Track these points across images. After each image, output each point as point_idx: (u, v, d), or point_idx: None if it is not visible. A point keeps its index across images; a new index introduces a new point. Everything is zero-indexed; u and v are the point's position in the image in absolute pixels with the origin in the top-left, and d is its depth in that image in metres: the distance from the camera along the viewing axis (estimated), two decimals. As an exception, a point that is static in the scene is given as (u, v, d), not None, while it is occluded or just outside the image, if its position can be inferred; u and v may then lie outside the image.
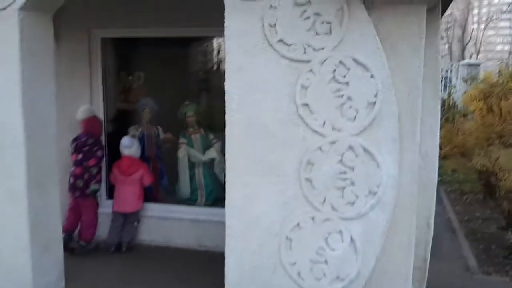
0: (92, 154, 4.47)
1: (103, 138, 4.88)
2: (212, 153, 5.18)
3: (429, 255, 3.13)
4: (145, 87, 5.60)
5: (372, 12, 2.63)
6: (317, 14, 2.67)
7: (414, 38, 2.63)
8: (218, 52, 5.48)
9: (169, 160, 5.46)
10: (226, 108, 2.92)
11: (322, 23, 2.67)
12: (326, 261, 2.84)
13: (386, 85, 2.61)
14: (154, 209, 4.92)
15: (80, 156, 4.45)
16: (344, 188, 2.75)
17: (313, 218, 2.83)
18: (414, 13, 2.61)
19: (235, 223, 2.98)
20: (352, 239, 2.79)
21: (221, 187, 5.28)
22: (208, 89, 5.59)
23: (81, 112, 4.55)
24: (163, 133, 5.41)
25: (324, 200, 2.79)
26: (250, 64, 2.82)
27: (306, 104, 2.74)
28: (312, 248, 2.85)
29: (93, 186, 4.49)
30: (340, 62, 2.66)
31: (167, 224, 4.92)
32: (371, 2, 2.62)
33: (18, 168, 3.30)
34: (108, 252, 4.54)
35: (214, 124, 5.37)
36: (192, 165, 5.24)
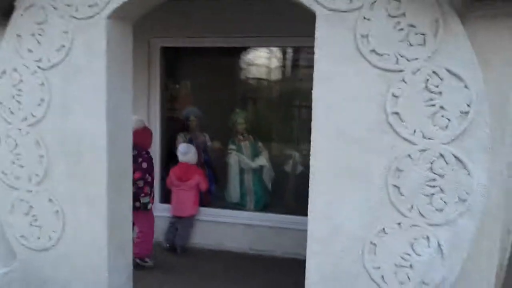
0: (137, 167, 4.34)
1: (157, 148, 4.93)
2: (261, 160, 5.27)
3: (507, 262, 3.19)
4: (191, 95, 5.71)
5: (465, 26, 2.71)
6: (411, 25, 2.75)
7: (506, 51, 2.71)
8: (267, 62, 5.58)
9: (215, 166, 5.55)
10: (312, 115, 2.99)
11: (416, 34, 2.75)
12: (411, 266, 2.91)
13: (480, 96, 2.68)
14: (207, 214, 4.99)
15: (145, 165, 4.43)
16: (433, 195, 2.82)
17: (399, 224, 2.90)
18: (508, 26, 2.69)
19: (318, 228, 3.05)
20: (439, 245, 2.85)
21: (269, 193, 5.39)
22: (255, 99, 5.69)
23: (133, 123, 4.48)
24: (210, 141, 5.50)
25: (412, 207, 2.86)
26: (340, 73, 2.90)
27: (397, 113, 2.82)
28: (397, 253, 2.92)
29: (143, 199, 4.44)
30: (434, 72, 2.74)
31: (220, 228, 4.99)
32: (464, 16, 2.71)
33: (100, 173, 3.38)
34: (163, 251, 4.60)
35: (260, 133, 5.47)
36: (241, 171, 5.33)
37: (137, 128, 4.50)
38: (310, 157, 3.05)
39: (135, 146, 4.45)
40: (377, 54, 2.82)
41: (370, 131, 2.88)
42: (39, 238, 3.56)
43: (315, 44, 2.95)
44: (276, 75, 5.46)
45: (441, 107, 2.76)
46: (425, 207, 2.84)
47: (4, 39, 3.47)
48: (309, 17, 2.95)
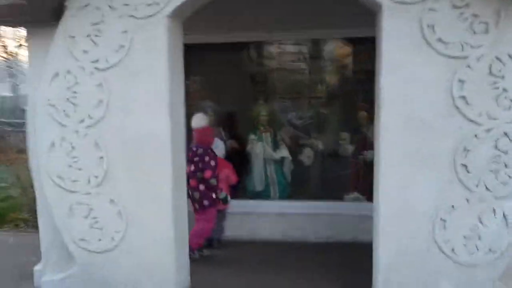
0: (206, 165, 4.30)
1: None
2: (284, 151, 5.38)
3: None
4: (205, 90, 5.71)
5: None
6: (475, 15, 2.96)
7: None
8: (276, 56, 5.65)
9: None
10: (380, 104, 3.16)
11: (480, 23, 2.97)
12: (479, 237, 3.16)
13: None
14: (236, 205, 5.04)
15: (192, 167, 4.34)
16: (498, 170, 3.07)
17: (467, 200, 3.13)
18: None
19: (388, 210, 3.23)
20: (504, 215, 3.11)
21: (288, 183, 5.52)
22: (267, 92, 5.74)
23: (199, 121, 4.39)
24: (225, 136, 5.52)
25: (479, 182, 3.10)
26: (408, 62, 3.07)
27: (463, 97, 3.03)
28: (466, 226, 3.16)
29: (221, 195, 4.47)
30: (496, 57, 2.97)
31: (250, 219, 5.08)
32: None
33: (164, 171, 3.39)
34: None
35: (278, 124, 5.57)
36: (263, 162, 5.42)
37: (202, 126, 4.40)
38: (377, 144, 3.22)
39: (200, 145, 4.41)
40: (443, 42, 3.02)
41: (439, 115, 3.09)
42: (100, 240, 3.52)
43: (381, 35, 3.10)
44: (293, 68, 5.57)
45: (504, 90, 3.00)
46: (492, 182, 3.09)
47: (54, 41, 3.37)
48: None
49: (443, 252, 3.20)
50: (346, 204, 5.17)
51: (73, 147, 3.44)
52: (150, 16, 3.26)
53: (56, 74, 3.39)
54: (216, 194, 4.41)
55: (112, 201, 3.47)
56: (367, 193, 5.23)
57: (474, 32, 2.98)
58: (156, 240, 3.47)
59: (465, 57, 3.01)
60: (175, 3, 3.23)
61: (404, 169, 3.17)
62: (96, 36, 3.31)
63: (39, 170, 3.56)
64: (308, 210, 5.05)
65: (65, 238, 3.58)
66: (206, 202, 4.36)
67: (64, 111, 3.42)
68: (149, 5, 3.24)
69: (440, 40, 3.02)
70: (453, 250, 3.19)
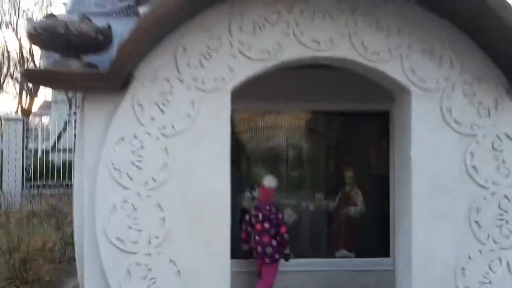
0: (281, 221, 4.85)
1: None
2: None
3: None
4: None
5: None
6: (480, 103, 3.80)
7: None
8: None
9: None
10: (409, 170, 3.81)
11: (484, 108, 3.81)
12: (490, 282, 3.82)
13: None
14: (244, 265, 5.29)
15: (267, 225, 4.79)
16: (501, 226, 3.82)
17: (480, 251, 3.82)
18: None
19: (419, 260, 3.80)
20: (507, 263, 3.83)
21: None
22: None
23: (273, 181, 4.98)
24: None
25: (488, 236, 3.82)
26: (431, 137, 3.79)
27: (474, 166, 3.79)
28: (480, 273, 3.82)
29: (287, 251, 4.88)
30: (497, 136, 3.81)
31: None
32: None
33: (223, 229, 3.68)
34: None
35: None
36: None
37: (273, 186, 4.98)
38: (410, 205, 3.83)
39: (268, 203, 4.89)
40: (458, 123, 3.80)
41: (455, 181, 3.80)
42: (157, 301, 3.62)
43: (410, 115, 3.81)
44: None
45: (503, 161, 3.82)
46: (498, 235, 3.82)
47: (121, 108, 3.60)
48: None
49: (461, 296, 3.81)
50: (339, 260, 5.66)
51: (134, 209, 3.60)
52: (216, 89, 3.66)
53: (122, 139, 3.60)
54: (287, 249, 4.88)
55: (171, 261, 3.62)
56: (353, 250, 5.82)
57: (480, 116, 3.81)
58: (213, 296, 3.66)
59: (474, 135, 3.80)
60: (239, 79, 3.68)
61: (430, 225, 3.79)
62: (164, 104, 3.62)
63: (92, 233, 3.62)
64: (306, 267, 5.45)
65: (119, 301, 3.61)
66: (277, 256, 4.80)
67: (127, 174, 3.59)
68: (215, 79, 3.66)
69: (455, 121, 3.79)
70: (466, 291, 3.82)
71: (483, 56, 3.80)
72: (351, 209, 5.80)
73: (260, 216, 4.81)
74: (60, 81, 3.48)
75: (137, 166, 3.61)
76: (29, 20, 3.62)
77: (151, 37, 3.40)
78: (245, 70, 3.67)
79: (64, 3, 5.82)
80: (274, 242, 4.81)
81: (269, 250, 4.78)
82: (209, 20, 3.61)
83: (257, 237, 4.78)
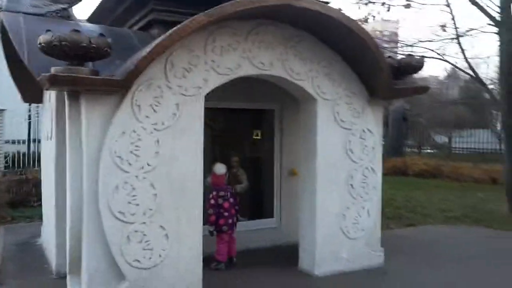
0: (233, 204, 5.99)
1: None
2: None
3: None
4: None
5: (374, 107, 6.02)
6: (354, 108, 5.84)
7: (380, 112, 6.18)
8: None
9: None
10: (314, 152, 5.64)
11: (356, 112, 5.86)
12: (358, 223, 5.95)
13: (379, 138, 6.04)
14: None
15: (232, 200, 5.95)
16: (364, 186, 5.97)
17: (353, 203, 5.90)
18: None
19: (320, 213, 5.69)
20: (368, 211, 6.01)
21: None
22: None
23: (223, 169, 5.99)
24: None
25: (357, 193, 5.92)
26: (328, 130, 5.68)
27: (350, 149, 5.84)
28: (353, 217, 5.90)
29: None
30: (362, 130, 5.92)
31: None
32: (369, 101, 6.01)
33: (198, 199, 4.91)
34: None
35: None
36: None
37: (223, 173, 5.97)
38: (311, 176, 5.66)
39: (225, 188, 5.92)
40: (342, 121, 5.77)
41: (340, 158, 5.79)
42: (150, 258, 4.65)
43: (316, 116, 5.62)
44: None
45: (365, 146, 5.97)
46: (361, 192, 5.95)
47: (122, 108, 4.48)
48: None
49: (344, 234, 5.85)
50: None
51: (133, 188, 4.54)
52: (194, 95, 4.83)
53: (123, 132, 4.49)
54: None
55: (161, 227, 4.69)
56: (246, 215, 7.47)
57: (353, 116, 5.86)
58: (190, 252, 4.86)
59: (351, 129, 5.84)
60: (210, 87, 4.92)
61: (325, 188, 5.70)
62: (156, 106, 4.63)
63: (93, 210, 4.43)
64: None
65: (119, 261, 4.52)
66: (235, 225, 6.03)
67: (127, 161, 4.51)
68: (194, 87, 4.82)
69: (341, 120, 5.76)
70: (348, 231, 5.87)
71: (356, 77, 5.84)
72: (238, 186, 7.33)
73: (228, 195, 5.92)
74: (79, 84, 4.19)
75: (135, 154, 4.55)
76: (49, 31, 4.09)
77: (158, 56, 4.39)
78: (215, 81, 4.94)
79: None
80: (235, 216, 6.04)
81: (234, 219, 5.99)
82: (191, 43, 4.75)
83: (226, 213, 5.84)
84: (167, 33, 4.34)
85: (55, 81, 4.09)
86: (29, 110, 14.93)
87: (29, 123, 14.60)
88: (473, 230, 8.69)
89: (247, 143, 7.66)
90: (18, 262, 6.26)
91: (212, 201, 5.82)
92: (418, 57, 6.09)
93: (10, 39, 5.24)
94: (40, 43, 4.12)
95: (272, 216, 7.33)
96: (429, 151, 27.99)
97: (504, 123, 10.56)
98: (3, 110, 13.03)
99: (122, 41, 5.44)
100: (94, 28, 5.88)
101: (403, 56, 6.33)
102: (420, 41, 11.56)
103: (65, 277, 5.03)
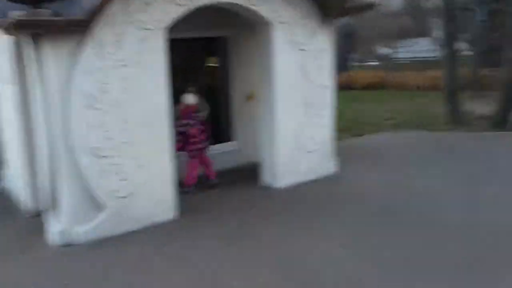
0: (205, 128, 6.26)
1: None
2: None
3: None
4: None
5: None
6: (309, 30, 6.10)
7: (332, 32, 6.50)
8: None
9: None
10: (274, 74, 5.94)
11: (310, 34, 6.12)
12: (313, 137, 6.47)
13: (332, 56, 6.39)
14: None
15: (200, 125, 6.21)
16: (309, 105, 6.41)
17: (308, 121, 6.37)
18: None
19: (266, 131, 6.12)
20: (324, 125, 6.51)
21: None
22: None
23: (192, 99, 6.13)
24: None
25: (314, 111, 6.37)
26: (284, 52, 5.93)
27: (307, 70, 6.16)
28: (309, 135, 6.40)
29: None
30: (317, 50, 6.22)
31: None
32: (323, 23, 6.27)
33: (164, 133, 5.18)
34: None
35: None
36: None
37: (192, 102, 6.14)
38: (271, 98, 6.01)
39: (192, 116, 6.11)
40: (298, 43, 6.04)
41: (296, 79, 6.12)
42: (126, 187, 4.95)
43: (272, 38, 5.84)
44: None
45: (320, 65, 6.31)
46: (316, 108, 6.40)
47: (87, 47, 4.53)
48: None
49: (301, 149, 6.34)
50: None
51: (106, 123, 4.73)
52: (156, 28, 4.91)
53: (90, 72, 4.57)
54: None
55: (134, 157, 4.96)
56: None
57: (308, 38, 6.14)
58: (162, 180, 5.21)
59: (306, 50, 6.14)
60: (171, 19, 5.00)
61: (284, 109, 6.09)
62: (119, 42, 4.69)
63: (67, 146, 4.62)
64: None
65: (98, 193, 4.80)
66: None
67: (98, 98, 4.65)
68: (155, 21, 4.88)
69: (297, 42, 6.03)
70: (305, 146, 6.37)
71: (312, 2, 6.02)
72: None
73: (195, 122, 6.15)
74: (44, 27, 4.18)
75: (104, 91, 4.68)
76: None
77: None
78: (175, 13, 5.01)
79: None
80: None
81: (204, 144, 6.31)
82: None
83: (194, 139, 6.13)
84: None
85: (22, 26, 4.06)
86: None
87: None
88: (414, 134, 9.50)
89: (202, 71, 7.81)
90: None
91: (182, 129, 6.09)
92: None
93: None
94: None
95: (232, 140, 7.69)
96: (373, 63, 28.84)
97: (444, 28, 11.13)
98: None
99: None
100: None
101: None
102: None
103: (39, 215, 5.35)
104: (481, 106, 11.57)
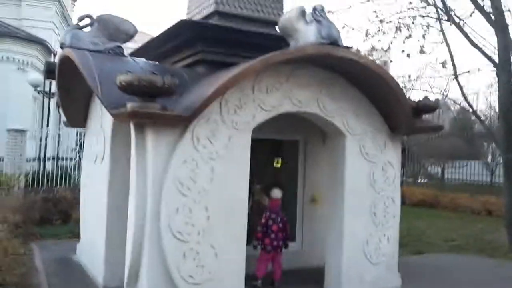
0: (286, 223, 6.55)
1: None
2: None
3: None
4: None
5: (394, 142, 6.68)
6: (378, 143, 6.50)
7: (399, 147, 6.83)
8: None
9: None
10: (343, 182, 6.26)
11: (380, 146, 6.51)
12: (380, 248, 6.54)
13: (399, 170, 6.68)
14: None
15: (281, 225, 6.43)
16: (385, 215, 6.57)
17: (376, 230, 6.50)
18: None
19: (347, 238, 6.27)
20: (388, 237, 6.60)
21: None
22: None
23: (279, 193, 6.50)
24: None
25: (379, 221, 6.53)
26: (353, 162, 6.30)
27: (374, 180, 6.45)
28: (375, 242, 6.50)
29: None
30: (384, 162, 6.56)
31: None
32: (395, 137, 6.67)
33: (243, 222, 5.51)
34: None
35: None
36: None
37: (278, 197, 6.48)
38: (340, 206, 6.27)
39: (277, 211, 6.44)
40: (367, 154, 6.41)
41: (364, 187, 6.39)
42: (202, 274, 5.18)
43: (344, 149, 6.26)
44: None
45: (387, 177, 6.59)
46: (383, 220, 6.55)
47: (184, 140, 5.10)
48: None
49: (367, 259, 6.41)
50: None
51: (190, 210, 5.11)
52: (243, 129, 5.46)
53: (184, 161, 5.09)
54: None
55: (211, 246, 5.25)
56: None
57: (377, 151, 6.51)
58: (235, 269, 5.40)
59: (375, 162, 6.48)
60: (257, 122, 5.56)
61: (353, 215, 6.30)
62: (212, 137, 5.25)
63: (155, 228, 4.99)
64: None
65: (176, 276, 5.05)
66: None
67: (187, 186, 5.10)
68: (244, 122, 5.45)
69: (366, 153, 6.41)
70: (371, 256, 6.44)
71: (379, 115, 6.51)
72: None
73: (278, 219, 6.43)
74: (154, 118, 4.83)
75: (193, 180, 5.15)
76: (129, 73, 4.72)
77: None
78: (261, 117, 5.59)
79: (62, 43, 6.45)
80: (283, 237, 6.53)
81: (281, 244, 6.50)
82: (242, 83, 5.38)
83: (273, 235, 6.35)
84: (227, 77, 5.00)
85: (135, 115, 4.71)
86: (41, 132, 15.71)
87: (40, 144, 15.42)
88: (477, 259, 9.28)
89: (269, 171, 8.25)
90: (62, 276, 6.72)
91: (263, 221, 6.37)
92: (434, 100, 6.79)
93: (67, 71, 5.92)
94: (120, 82, 4.73)
95: (295, 240, 7.85)
96: (423, 181, 28.70)
97: (503, 158, 11.26)
98: (24, 131, 13.56)
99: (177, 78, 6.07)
100: (147, 65, 6.53)
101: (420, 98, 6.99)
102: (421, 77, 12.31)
103: None
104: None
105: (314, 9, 5.53)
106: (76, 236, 9.30)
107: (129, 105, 4.80)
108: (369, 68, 5.78)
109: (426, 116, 7.05)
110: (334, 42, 5.35)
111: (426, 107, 6.66)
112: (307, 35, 5.40)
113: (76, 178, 13.40)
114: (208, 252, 5.24)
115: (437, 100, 6.82)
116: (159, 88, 4.75)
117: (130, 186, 5.25)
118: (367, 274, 6.37)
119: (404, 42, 12.06)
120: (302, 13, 5.61)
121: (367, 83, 6.12)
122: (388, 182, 6.59)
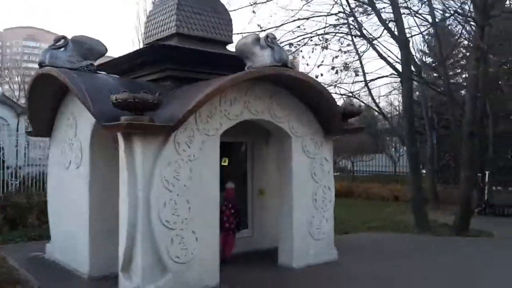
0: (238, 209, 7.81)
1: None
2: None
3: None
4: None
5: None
6: (316, 142, 7.98)
7: (331, 145, 8.41)
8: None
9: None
10: (290, 176, 7.67)
11: (317, 145, 8.01)
12: (320, 227, 8.05)
13: (332, 164, 8.24)
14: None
15: (233, 211, 7.70)
16: (323, 200, 8.09)
17: (317, 213, 7.99)
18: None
19: (296, 222, 7.68)
20: (326, 219, 8.13)
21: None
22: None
23: (231, 184, 7.72)
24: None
25: (321, 204, 8.03)
26: (299, 158, 7.73)
27: (314, 173, 7.93)
28: (317, 223, 7.99)
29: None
30: (321, 158, 8.07)
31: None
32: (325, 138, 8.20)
33: (216, 212, 6.68)
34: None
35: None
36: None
37: (231, 187, 7.78)
38: (288, 195, 7.68)
39: (230, 199, 7.66)
40: (308, 152, 7.88)
41: (306, 179, 7.85)
42: (185, 255, 6.28)
43: (291, 148, 7.67)
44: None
45: (323, 170, 8.13)
46: (322, 204, 8.07)
47: (167, 145, 6.15)
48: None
49: (311, 236, 7.86)
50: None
51: (175, 203, 6.19)
52: (214, 135, 6.64)
53: (169, 163, 6.15)
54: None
55: (193, 231, 6.36)
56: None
57: (316, 148, 8.00)
58: (210, 247, 6.56)
59: (314, 158, 7.96)
60: (223, 129, 6.76)
61: (299, 203, 7.72)
62: (190, 143, 6.36)
63: (146, 218, 6.01)
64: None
65: (165, 258, 6.10)
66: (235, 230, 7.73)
67: (172, 183, 6.17)
68: (213, 129, 6.63)
69: (308, 151, 7.86)
70: (314, 234, 7.91)
71: (316, 120, 8.00)
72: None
73: (230, 205, 7.71)
74: (145, 129, 5.83)
75: (176, 178, 6.23)
76: (124, 92, 5.65)
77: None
78: (227, 124, 6.80)
79: (41, 61, 7.05)
80: (234, 221, 7.80)
81: (233, 225, 7.74)
82: (211, 99, 6.55)
83: (225, 218, 7.56)
84: (204, 93, 6.14)
85: (130, 127, 5.70)
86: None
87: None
88: (392, 235, 11.30)
89: (226, 169, 9.45)
90: (44, 272, 7.41)
91: (223, 208, 7.61)
92: (358, 106, 8.44)
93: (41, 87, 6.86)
94: (116, 99, 5.68)
95: (247, 227, 9.10)
96: (335, 174, 31.18)
97: (407, 153, 13.44)
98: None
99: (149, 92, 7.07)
100: (118, 81, 7.39)
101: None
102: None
103: (96, 279, 6.71)
104: (441, 216, 13.79)
105: (267, 36, 6.84)
106: (30, 239, 9.94)
107: (124, 119, 5.77)
108: (311, 84, 7.24)
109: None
110: (285, 64, 6.70)
111: (352, 112, 8.28)
112: (263, 58, 6.70)
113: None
114: (191, 237, 6.35)
115: (359, 106, 8.46)
116: (150, 104, 5.77)
117: (120, 186, 6.19)
118: (311, 249, 7.84)
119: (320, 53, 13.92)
120: (257, 39, 6.91)
121: (308, 95, 7.56)
122: (324, 174, 8.11)
